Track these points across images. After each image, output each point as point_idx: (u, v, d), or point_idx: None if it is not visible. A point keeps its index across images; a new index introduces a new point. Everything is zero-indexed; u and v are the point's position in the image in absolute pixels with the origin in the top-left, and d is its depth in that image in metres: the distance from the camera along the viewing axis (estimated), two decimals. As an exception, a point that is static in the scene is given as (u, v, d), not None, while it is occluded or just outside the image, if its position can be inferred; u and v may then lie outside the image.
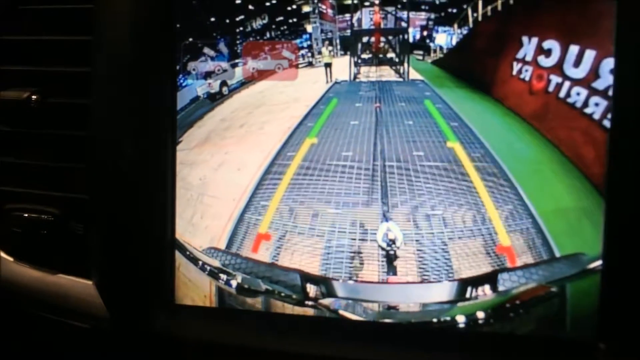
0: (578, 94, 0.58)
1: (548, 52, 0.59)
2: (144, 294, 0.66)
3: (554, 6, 0.59)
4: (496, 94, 0.62)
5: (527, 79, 0.61)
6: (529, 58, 0.61)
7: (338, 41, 0.68)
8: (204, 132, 0.68)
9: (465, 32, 0.63)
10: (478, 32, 0.63)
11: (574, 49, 0.58)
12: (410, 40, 0.66)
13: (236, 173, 0.66)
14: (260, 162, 0.66)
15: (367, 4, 0.67)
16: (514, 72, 0.61)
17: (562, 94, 0.59)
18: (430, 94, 0.65)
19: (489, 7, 0.61)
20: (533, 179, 0.60)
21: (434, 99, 0.65)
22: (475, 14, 0.62)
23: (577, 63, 0.58)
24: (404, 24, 0.65)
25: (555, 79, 0.59)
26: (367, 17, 0.67)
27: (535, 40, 0.60)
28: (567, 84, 0.59)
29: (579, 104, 0.58)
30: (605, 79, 0.56)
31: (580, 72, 0.58)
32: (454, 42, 0.64)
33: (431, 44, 0.65)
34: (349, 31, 0.68)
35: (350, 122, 0.67)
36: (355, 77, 0.68)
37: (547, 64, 0.60)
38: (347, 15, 0.67)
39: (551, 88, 0.60)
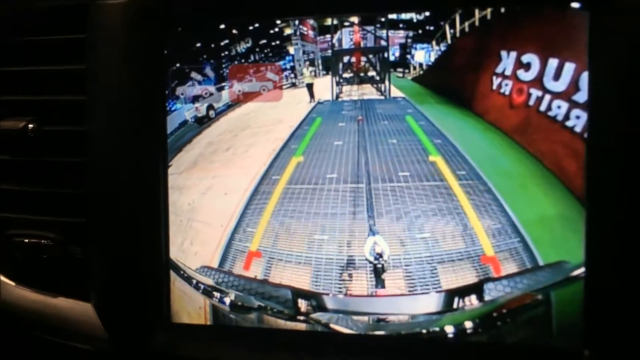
0: (559, 107, 0.58)
1: (527, 66, 0.60)
2: (141, 314, 0.67)
3: (531, 20, 0.59)
4: (477, 108, 0.63)
5: (507, 93, 0.61)
6: (508, 72, 0.61)
7: (320, 61, 0.69)
8: (192, 156, 0.69)
9: (443, 48, 0.64)
10: (456, 48, 0.63)
11: (553, 62, 0.58)
12: (391, 58, 0.66)
13: (223, 198, 0.68)
14: (247, 185, 0.67)
15: (346, 24, 0.67)
16: (494, 87, 0.62)
17: (542, 107, 0.59)
18: (412, 111, 0.66)
19: (467, 23, 0.62)
20: (517, 192, 0.60)
21: (416, 116, 0.66)
22: (452, 30, 0.62)
23: (557, 76, 0.58)
24: (383, 42, 0.66)
25: (535, 93, 0.60)
26: (347, 37, 0.68)
27: (514, 54, 0.60)
28: (547, 97, 0.59)
29: (560, 117, 0.58)
30: (585, 92, 0.56)
31: (560, 85, 0.58)
32: (433, 59, 0.65)
33: (411, 61, 0.66)
34: (330, 51, 0.69)
35: (334, 142, 0.68)
36: (337, 97, 0.69)
37: (526, 78, 0.60)
38: (328, 36, 0.68)
39: (531, 102, 0.60)
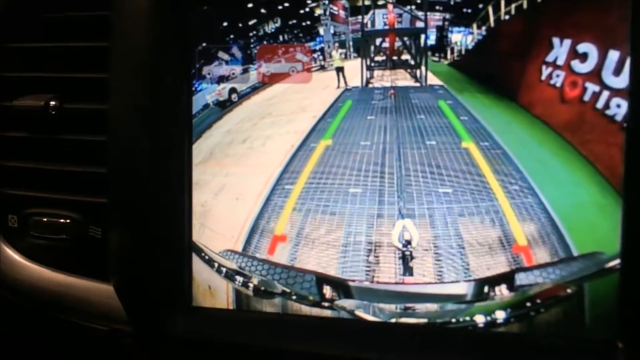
0: (618, 105, 0.53)
1: (583, 57, 0.55)
2: (162, 296, 0.66)
3: (590, 4, 0.54)
4: (522, 100, 0.58)
5: (558, 85, 0.56)
6: (560, 62, 0.56)
7: (351, 43, 0.67)
8: (209, 145, 0.67)
9: (486, 32, 0.59)
10: (501, 31, 0.58)
11: (614, 55, 0.53)
12: (428, 42, 0.62)
13: (235, 204, 0.66)
14: (259, 192, 0.65)
15: (380, 3, 0.64)
16: (543, 77, 0.57)
17: (599, 104, 0.54)
18: (452, 102, 0.61)
19: (513, 5, 0.57)
20: (566, 200, 0.56)
21: (457, 109, 0.61)
22: (497, 13, 0.58)
23: (618, 71, 0.53)
24: (420, 24, 0.62)
25: (591, 88, 0.55)
26: (380, 17, 0.65)
27: (568, 42, 0.55)
28: (605, 93, 0.54)
29: (619, 117, 0.53)
30: None
31: (621, 82, 0.53)
32: (473, 43, 0.60)
33: (449, 45, 0.62)
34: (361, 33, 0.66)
35: (360, 142, 0.63)
36: (367, 83, 0.65)
37: (582, 70, 0.55)
38: (360, 17, 0.66)
39: (587, 97, 0.55)
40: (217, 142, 0.67)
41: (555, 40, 0.56)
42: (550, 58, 0.56)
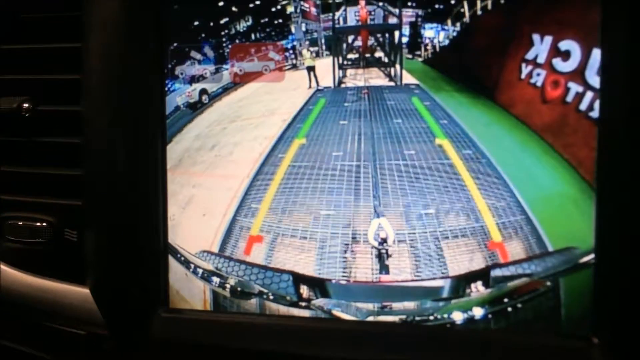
0: None
1: (565, 55, 0.52)
2: (139, 298, 0.66)
3: (572, 1, 0.51)
4: (500, 99, 0.55)
5: (539, 84, 0.54)
6: (541, 60, 0.54)
7: (323, 41, 0.65)
8: (178, 150, 0.66)
9: (462, 27, 0.57)
10: (478, 27, 0.56)
11: (598, 54, 0.51)
12: (403, 38, 0.60)
13: (201, 220, 0.65)
14: (224, 210, 0.64)
15: None
16: (523, 76, 0.55)
17: (583, 105, 0.52)
18: (430, 104, 0.59)
19: (489, 0, 0.55)
20: (541, 196, 0.55)
21: (435, 111, 0.58)
22: (473, 8, 0.56)
23: None
24: (394, 20, 0.60)
25: (574, 88, 0.52)
26: (352, 14, 0.63)
27: (549, 39, 0.53)
28: (589, 94, 0.52)
29: None
30: None
31: None
32: (448, 39, 0.58)
33: (423, 42, 0.59)
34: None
35: (332, 153, 0.61)
36: (340, 82, 0.63)
37: (564, 69, 0.53)
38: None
39: (569, 98, 0.53)
40: (186, 148, 0.66)
41: (536, 37, 0.54)
42: (530, 56, 0.54)
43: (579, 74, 0.52)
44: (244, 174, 0.64)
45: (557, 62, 0.53)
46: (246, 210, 0.64)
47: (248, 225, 0.64)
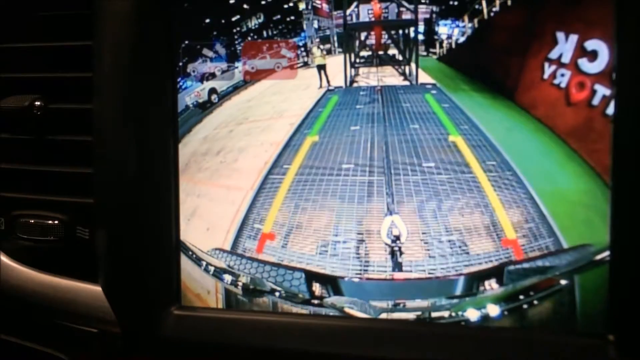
0: None
1: (592, 55, 0.50)
2: (151, 296, 0.66)
3: None
4: (521, 100, 0.53)
5: (563, 85, 0.51)
6: (565, 60, 0.51)
7: (335, 38, 0.64)
8: (186, 154, 0.66)
9: (479, 24, 0.55)
10: (497, 24, 0.54)
11: None
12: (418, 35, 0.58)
13: (205, 234, 0.65)
14: (228, 226, 0.64)
15: None
16: (545, 76, 0.52)
17: (610, 110, 0.49)
18: (449, 105, 0.56)
19: None
20: (556, 193, 0.53)
21: (454, 115, 0.55)
22: (492, 3, 0.53)
23: None
24: (409, 16, 0.57)
25: (601, 90, 0.49)
26: (365, 11, 0.62)
27: (574, 38, 0.50)
28: None
29: None
30: None
31: None
32: (465, 36, 0.56)
33: (438, 38, 0.57)
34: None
35: (342, 166, 0.58)
36: (352, 81, 0.61)
37: (590, 70, 0.50)
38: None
39: (596, 101, 0.50)
40: (193, 152, 0.66)
41: (560, 35, 0.51)
42: (553, 55, 0.52)
43: (606, 76, 0.49)
44: (248, 185, 0.63)
45: (583, 63, 0.51)
46: (249, 229, 0.64)
47: (259, 226, 0.63)
